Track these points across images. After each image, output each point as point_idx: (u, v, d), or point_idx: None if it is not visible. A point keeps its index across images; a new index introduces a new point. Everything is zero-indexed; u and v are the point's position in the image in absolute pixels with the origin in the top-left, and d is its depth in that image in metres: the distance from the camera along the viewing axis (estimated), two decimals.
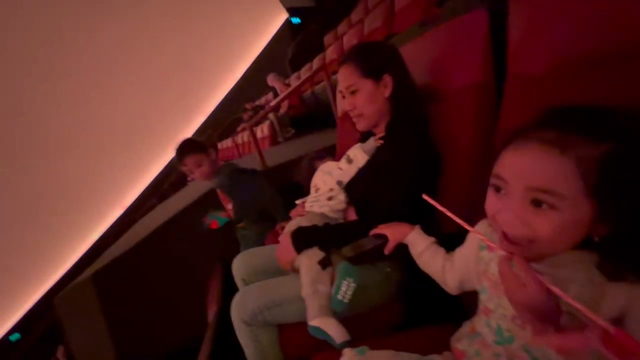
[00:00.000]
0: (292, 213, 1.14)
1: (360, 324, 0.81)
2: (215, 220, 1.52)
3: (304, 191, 1.20)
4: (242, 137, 6.29)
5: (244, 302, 0.84)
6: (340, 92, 0.92)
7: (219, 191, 1.68)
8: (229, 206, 1.61)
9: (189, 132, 9.37)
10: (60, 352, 5.34)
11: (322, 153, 1.29)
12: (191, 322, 1.67)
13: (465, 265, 0.60)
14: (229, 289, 1.33)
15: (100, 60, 6.92)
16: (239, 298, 0.86)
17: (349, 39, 3.93)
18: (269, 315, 0.82)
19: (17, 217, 7.36)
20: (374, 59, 0.87)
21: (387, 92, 0.87)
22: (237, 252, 1.52)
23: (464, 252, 0.62)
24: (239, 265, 1.12)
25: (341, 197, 1.00)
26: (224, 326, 1.23)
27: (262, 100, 7.45)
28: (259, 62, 8.65)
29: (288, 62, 6.58)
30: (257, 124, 6.04)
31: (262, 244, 1.47)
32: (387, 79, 0.86)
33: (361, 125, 0.92)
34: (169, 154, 9.31)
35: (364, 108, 0.88)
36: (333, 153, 1.82)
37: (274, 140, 4.49)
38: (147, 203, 8.80)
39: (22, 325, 7.30)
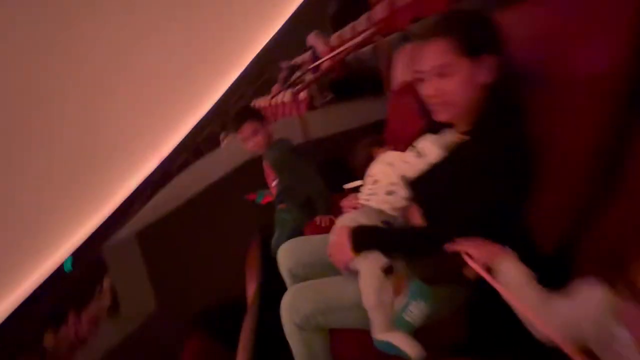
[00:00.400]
0: (344, 203, 1.04)
1: (422, 335, 0.73)
2: (267, 195, 1.50)
3: (353, 175, 1.09)
4: (277, 98, 6.13)
5: (296, 304, 0.79)
6: (420, 72, 0.74)
7: (265, 165, 1.61)
8: (273, 183, 1.55)
9: (224, 86, 9.32)
10: (106, 282, 5.90)
11: (380, 138, 1.16)
12: (227, 286, 1.72)
13: (575, 323, 0.49)
14: (269, 266, 1.31)
15: (142, 6, 6.79)
16: (290, 299, 0.82)
17: None
18: (324, 320, 0.77)
19: (62, 157, 7.84)
20: (475, 33, 0.70)
21: (488, 78, 0.70)
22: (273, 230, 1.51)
23: (578, 309, 0.50)
24: (285, 255, 1.06)
25: (402, 193, 0.89)
26: (266, 304, 1.23)
27: (299, 60, 7.12)
28: (297, 17, 8.14)
29: (329, 20, 6.11)
30: (294, 85, 5.84)
31: (301, 232, 1.41)
32: (490, 61, 0.69)
33: (445, 115, 0.76)
34: (205, 107, 9.44)
35: (457, 95, 0.71)
36: (379, 129, 1.67)
37: (310, 104, 4.30)
38: (181, 157, 9.15)
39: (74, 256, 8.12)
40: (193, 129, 9.45)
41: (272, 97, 5.22)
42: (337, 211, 1.08)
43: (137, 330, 1.56)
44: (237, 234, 1.76)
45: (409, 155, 0.92)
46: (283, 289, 0.90)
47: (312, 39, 4.31)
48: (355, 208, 0.99)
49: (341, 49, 3.41)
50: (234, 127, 1.54)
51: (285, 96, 5.88)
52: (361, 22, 4.31)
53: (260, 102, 7.90)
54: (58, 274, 7.80)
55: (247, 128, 1.45)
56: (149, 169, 9.41)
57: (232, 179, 1.82)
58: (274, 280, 1.12)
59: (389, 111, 1.63)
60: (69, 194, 8.19)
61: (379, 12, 3.93)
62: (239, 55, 9.17)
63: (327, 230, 0.98)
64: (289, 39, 8.32)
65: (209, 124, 9.20)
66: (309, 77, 4.16)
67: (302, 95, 4.29)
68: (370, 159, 1.04)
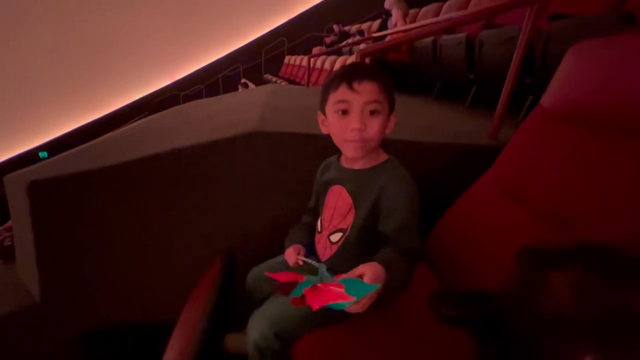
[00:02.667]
0: None
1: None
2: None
3: None
4: (316, 61, 5.41)
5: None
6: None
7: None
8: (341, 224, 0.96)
9: (263, 30, 8.55)
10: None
11: None
12: (147, 303, 1.10)
13: None
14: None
15: None
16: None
17: None
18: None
19: (78, 51, 7.34)
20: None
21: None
22: None
23: None
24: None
25: None
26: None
27: (353, 29, 6.38)
28: None
29: None
30: (338, 53, 5.13)
31: None
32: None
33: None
34: (233, 46, 8.69)
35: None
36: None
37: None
38: (196, 86, 8.50)
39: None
40: (214, 62, 8.68)
41: (311, 57, 4.50)
42: None
43: (13, 315, 0.98)
44: (194, 241, 1.10)
45: None
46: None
47: (391, 3, 3.54)
48: None
49: (421, 24, 2.70)
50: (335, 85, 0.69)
51: (324, 60, 5.21)
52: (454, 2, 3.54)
53: (294, 59, 7.23)
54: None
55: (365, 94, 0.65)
56: (158, 86, 8.73)
57: (213, 156, 0.97)
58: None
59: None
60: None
61: None
62: (288, 3, 8.31)
63: None
64: (349, 5, 7.52)
65: (233, 62, 8.47)
66: (359, 49, 3.47)
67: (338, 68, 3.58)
68: None
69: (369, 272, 0.51)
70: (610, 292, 0.33)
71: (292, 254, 0.71)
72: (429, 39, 2.80)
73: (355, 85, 0.62)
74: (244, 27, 8.67)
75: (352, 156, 0.69)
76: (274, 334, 0.65)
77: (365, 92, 0.62)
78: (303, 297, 0.51)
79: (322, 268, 0.61)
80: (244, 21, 8.58)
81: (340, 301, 0.48)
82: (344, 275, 0.54)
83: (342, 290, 0.50)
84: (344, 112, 0.64)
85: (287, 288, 0.57)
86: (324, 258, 0.75)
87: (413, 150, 1.09)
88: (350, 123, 0.63)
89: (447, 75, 2.58)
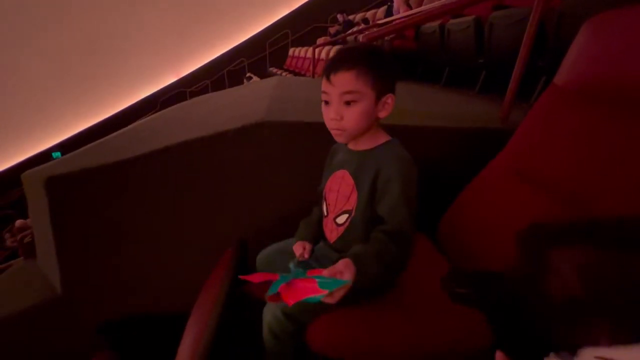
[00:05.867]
0: None
1: None
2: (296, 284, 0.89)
3: None
4: (321, 51, 5.36)
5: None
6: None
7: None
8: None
9: (266, 23, 8.49)
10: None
11: None
12: (164, 293, 1.13)
13: None
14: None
15: None
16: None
17: None
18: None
19: (84, 52, 7.42)
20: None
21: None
22: None
23: None
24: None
25: None
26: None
27: (358, 17, 6.27)
28: None
29: None
30: (343, 43, 5.07)
31: None
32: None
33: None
34: (236, 40, 8.66)
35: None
36: None
37: None
38: (201, 82, 8.53)
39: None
40: (219, 57, 8.68)
41: (316, 48, 4.46)
42: None
43: (34, 309, 1.01)
44: (206, 232, 1.12)
45: None
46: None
47: None
48: None
49: (425, 8, 2.64)
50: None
51: (328, 51, 5.16)
52: None
53: (298, 50, 7.17)
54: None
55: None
56: (164, 83, 8.79)
57: (222, 147, 0.99)
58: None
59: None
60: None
61: None
62: None
63: None
64: None
65: (238, 57, 8.45)
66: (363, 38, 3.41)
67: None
68: None
69: (343, 270, 0.55)
70: (619, 266, 0.32)
71: (299, 249, 0.75)
72: (435, 24, 2.74)
73: (332, 76, 0.65)
74: (248, 21, 8.62)
75: (339, 142, 0.72)
76: (287, 317, 0.66)
77: (339, 83, 0.64)
78: (279, 294, 0.54)
79: (292, 267, 0.65)
80: (247, 14, 8.53)
81: (314, 295, 0.52)
82: (317, 272, 0.58)
83: (315, 284, 0.54)
84: (327, 103, 0.68)
85: (260, 288, 0.60)
86: (331, 240, 0.76)
87: (421, 135, 1.08)
88: (329, 113, 0.67)
89: (455, 61, 2.52)
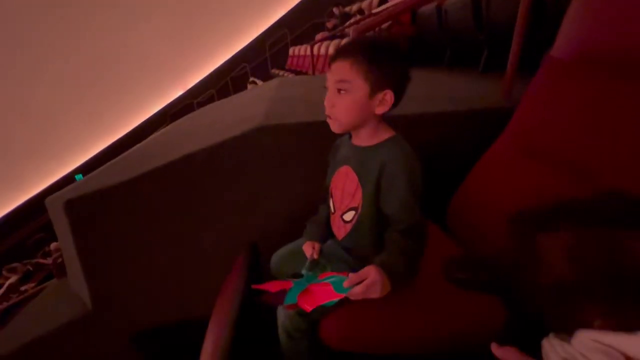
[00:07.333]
0: None
1: None
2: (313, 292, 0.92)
3: None
4: (320, 47, 5.34)
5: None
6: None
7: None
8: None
9: (264, 26, 8.52)
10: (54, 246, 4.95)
11: None
12: (185, 301, 1.17)
13: None
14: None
15: None
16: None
17: None
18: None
19: (87, 73, 7.66)
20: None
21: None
22: None
23: None
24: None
25: None
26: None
27: (354, 8, 6.19)
28: None
29: None
30: (341, 36, 5.02)
31: None
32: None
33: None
34: (237, 47, 8.73)
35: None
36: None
37: None
38: (207, 92, 8.67)
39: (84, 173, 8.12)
40: (222, 65, 8.79)
41: (314, 45, 4.43)
42: None
43: (68, 326, 1.08)
44: (217, 238, 1.10)
45: None
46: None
47: None
48: None
49: None
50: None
51: (328, 46, 5.12)
52: None
53: (298, 49, 7.15)
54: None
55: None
56: (172, 97, 9.00)
57: (224, 155, 1.02)
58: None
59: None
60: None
61: None
62: None
63: None
64: None
65: (240, 63, 8.54)
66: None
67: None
68: None
69: (371, 278, 0.56)
70: (602, 243, 0.31)
71: (308, 249, 0.75)
72: (432, 6, 2.68)
73: (332, 64, 0.67)
74: (245, 25, 8.67)
75: (334, 130, 0.71)
76: (299, 315, 0.68)
77: (336, 71, 0.66)
78: (296, 302, 0.55)
79: (305, 272, 0.67)
80: (245, 19, 8.57)
81: (330, 300, 0.53)
82: (328, 274, 0.59)
83: (331, 288, 0.55)
84: (328, 90, 0.69)
85: (277, 297, 0.61)
86: (339, 237, 0.76)
87: (422, 122, 1.07)
88: (325, 100, 0.68)
89: (456, 41, 2.46)
